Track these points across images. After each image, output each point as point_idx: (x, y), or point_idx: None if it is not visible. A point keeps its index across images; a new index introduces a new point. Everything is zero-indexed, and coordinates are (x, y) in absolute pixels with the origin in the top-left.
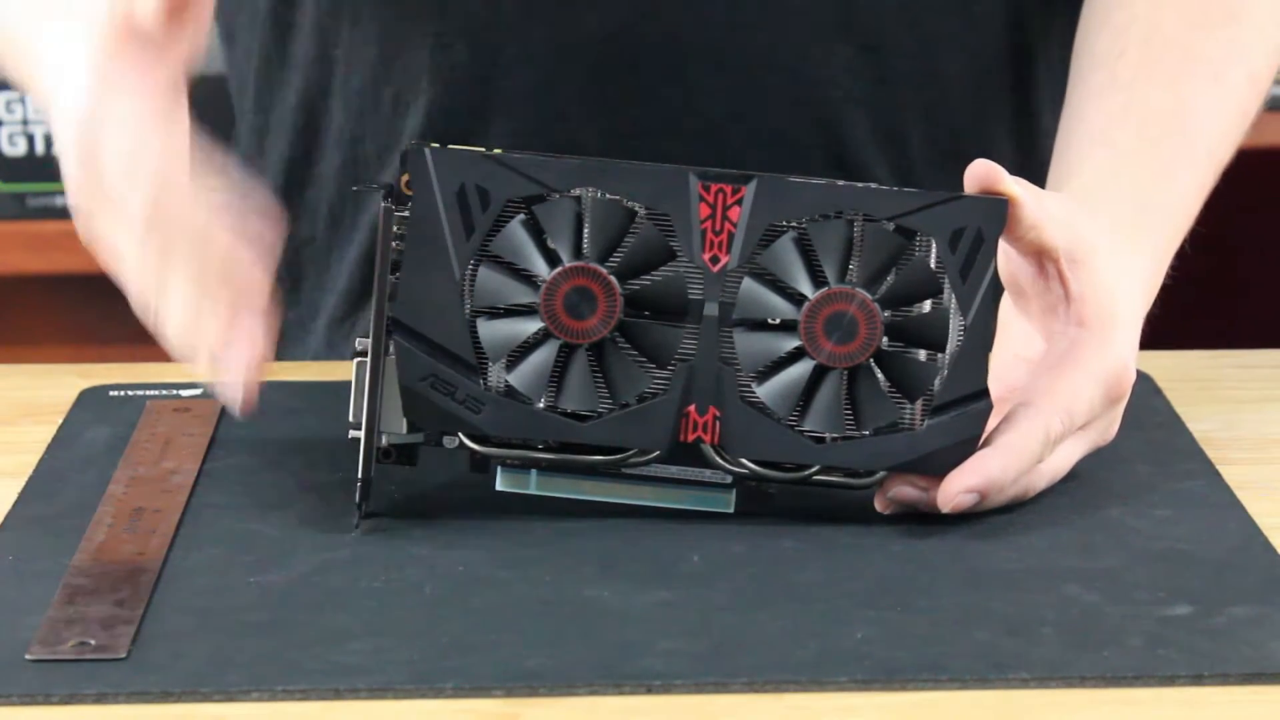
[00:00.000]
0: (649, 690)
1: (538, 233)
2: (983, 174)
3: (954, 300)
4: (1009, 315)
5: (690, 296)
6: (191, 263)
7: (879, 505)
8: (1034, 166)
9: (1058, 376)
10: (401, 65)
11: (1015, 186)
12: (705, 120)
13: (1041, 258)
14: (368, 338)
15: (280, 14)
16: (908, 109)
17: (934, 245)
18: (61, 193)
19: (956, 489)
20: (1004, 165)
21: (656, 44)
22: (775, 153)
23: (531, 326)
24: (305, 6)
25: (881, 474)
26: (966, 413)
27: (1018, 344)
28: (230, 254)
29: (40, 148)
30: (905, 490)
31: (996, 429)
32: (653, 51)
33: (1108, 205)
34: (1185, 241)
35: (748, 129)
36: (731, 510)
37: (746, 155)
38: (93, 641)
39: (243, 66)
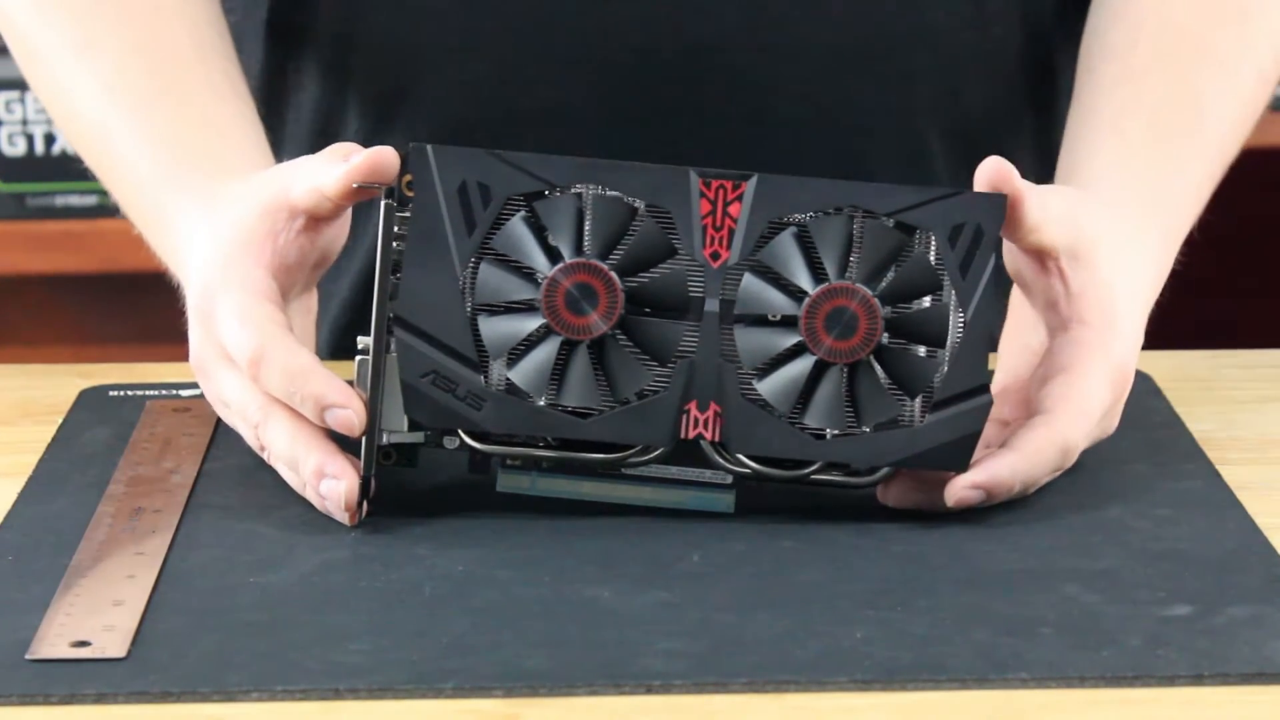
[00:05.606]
0: (649, 690)
1: (539, 229)
2: (994, 171)
3: (954, 296)
4: (1018, 302)
5: (691, 293)
6: (289, 405)
7: (881, 496)
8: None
9: (1069, 383)
10: (420, 83)
11: (1022, 185)
12: (723, 145)
13: (1043, 256)
14: (369, 335)
15: (292, 18)
16: (929, 133)
17: (933, 241)
18: (61, 193)
19: (964, 483)
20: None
21: (675, 68)
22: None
23: (533, 323)
24: (318, 22)
25: (882, 473)
26: (967, 408)
27: (1026, 333)
28: (323, 391)
29: (40, 148)
30: (909, 497)
31: (1016, 433)
32: (671, 75)
33: (1116, 194)
34: (1194, 229)
35: (766, 153)
36: (732, 510)
37: None
38: (93, 641)
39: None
